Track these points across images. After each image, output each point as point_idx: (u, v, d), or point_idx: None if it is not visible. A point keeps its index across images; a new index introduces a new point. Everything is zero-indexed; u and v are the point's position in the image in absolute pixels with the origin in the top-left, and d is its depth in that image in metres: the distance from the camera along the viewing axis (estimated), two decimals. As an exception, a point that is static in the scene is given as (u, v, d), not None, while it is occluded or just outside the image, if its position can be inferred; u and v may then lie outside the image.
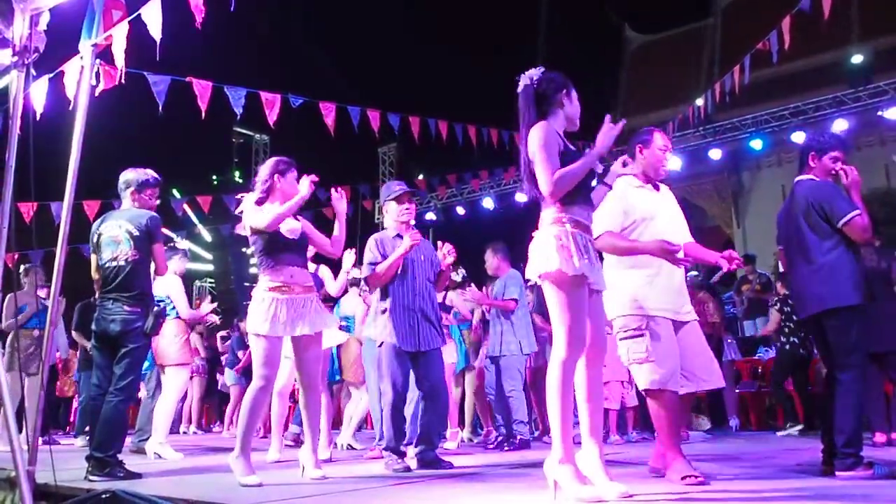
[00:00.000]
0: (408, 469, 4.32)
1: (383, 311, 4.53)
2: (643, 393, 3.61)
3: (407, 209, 4.65)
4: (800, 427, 7.25)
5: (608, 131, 2.94)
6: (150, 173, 4.72)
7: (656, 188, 3.82)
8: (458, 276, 7.35)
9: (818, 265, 3.55)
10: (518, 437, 6.00)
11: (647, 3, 28.73)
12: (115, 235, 4.46)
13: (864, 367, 3.58)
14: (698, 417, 7.93)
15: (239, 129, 19.44)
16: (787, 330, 7.51)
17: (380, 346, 4.57)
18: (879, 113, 12.69)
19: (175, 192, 14.81)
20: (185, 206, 11.73)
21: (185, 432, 10.59)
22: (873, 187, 14.39)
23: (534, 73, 3.15)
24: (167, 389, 6.07)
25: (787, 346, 7.48)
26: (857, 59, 14.20)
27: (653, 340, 3.49)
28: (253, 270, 19.43)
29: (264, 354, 3.85)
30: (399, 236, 4.61)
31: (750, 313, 10.57)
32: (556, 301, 2.89)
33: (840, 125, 12.86)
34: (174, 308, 6.12)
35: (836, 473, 3.42)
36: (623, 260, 3.59)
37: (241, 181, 18.98)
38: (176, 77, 5.90)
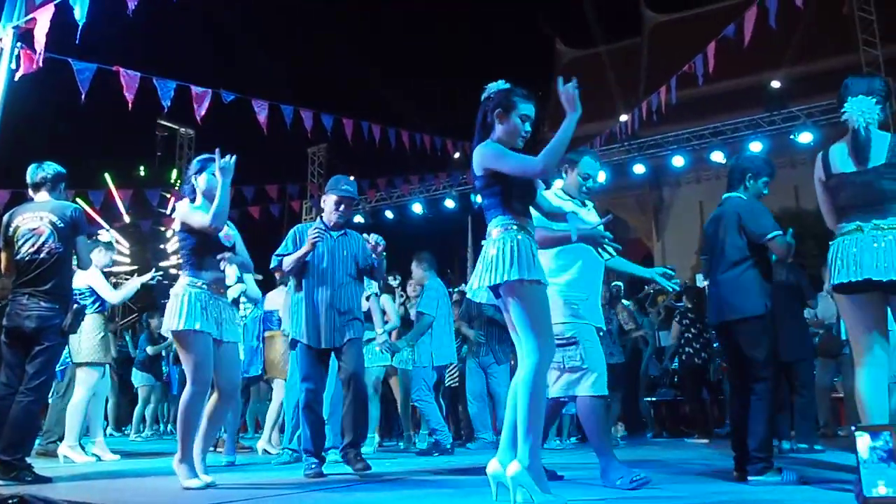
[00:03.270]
0: (320, 475, 4.21)
1: (297, 308, 4.46)
2: (578, 400, 3.71)
3: (342, 210, 4.54)
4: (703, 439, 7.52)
5: (569, 97, 2.92)
6: (62, 168, 4.49)
7: (583, 203, 4.00)
8: (394, 280, 7.36)
9: (734, 276, 3.77)
10: (436, 441, 6.11)
11: (579, 20, 29.52)
12: (35, 227, 4.23)
13: (774, 377, 3.80)
14: (615, 425, 8.18)
15: (164, 123, 18.81)
16: (683, 341, 7.88)
17: (295, 345, 4.50)
18: (791, 136, 13.33)
19: (103, 181, 14.26)
20: (115, 195, 11.28)
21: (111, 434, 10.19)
22: (784, 207, 15.18)
23: (492, 86, 3.12)
24: (80, 389, 5.78)
25: (684, 357, 7.84)
26: (774, 84, 14.92)
27: (586, 348, 3.64)
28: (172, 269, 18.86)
29: (196, 353, 3.67)
30: (326, 226, 4.52)
31: (666, 323, 10.94)
32: (520, 309, 2.88)
33: (755, 146, 13.47)
34: (95, 302, 5.85)
35: (748, 478, 3.57)
36: (553, 271, 3.69)
37: (164, 176, 18.39)
38: (103, 66, 5.68)
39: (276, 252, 4.54)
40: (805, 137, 13.20)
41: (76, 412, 5.70)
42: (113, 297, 5.89)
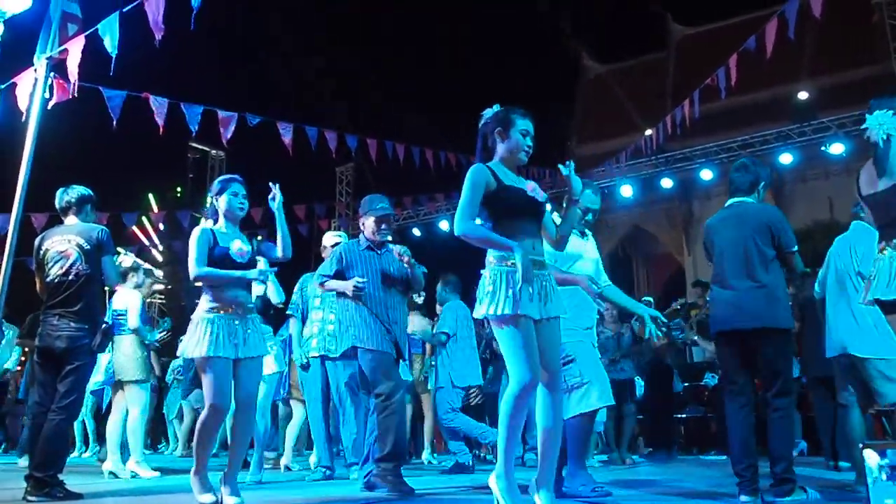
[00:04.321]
0: (412, 492, 4.19)
1: (354, 318, 4.52)
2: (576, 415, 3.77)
3: (384, 229, 4.64)
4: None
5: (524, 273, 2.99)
6: (88, 190, 4.63)
7: (583, 234, 4.17)
8: (419, 298, 7.43)
9: (761, 283, 3.65)
10: (457, 463, 6.14)
11: (605, 34, 29.50)
12: (63, 250, 4.36)
13: (795, 393, 3.74)
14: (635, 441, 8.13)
15: (195, 145, 19.21)
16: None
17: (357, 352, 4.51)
18: (823, 147, 13.15)
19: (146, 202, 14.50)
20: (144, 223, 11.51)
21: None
22: (817, 219, 14.93)
23: (487, 112, 3.25)
24: (133, 408, 5.94)
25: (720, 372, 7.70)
26: (802, 95, 14.77)
27: (583, 363, 3.78)
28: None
29: (212, 377, 3.73)
30: (370, 249, 4.61)
31: (701, 338, 10.79)
32: (501, 338, 3.02)
33: (785, 158, 13.34)
34: None
35: (775, 499, 3.47)
36: None
37: (197, 197, 18.74)
38: (133, 92, 5.86)
39: (321, 272, 4.68)
40: (836, 148, 13.02)
41: (136, 431, 5.93)
42: (134, 321, 5.99)
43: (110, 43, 4.93)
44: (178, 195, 19.69)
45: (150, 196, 17.45)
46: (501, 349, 3.06)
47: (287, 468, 6.48)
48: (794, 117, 14.49)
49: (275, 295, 5.58)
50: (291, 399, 6.76)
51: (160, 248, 17.98)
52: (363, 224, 4.69)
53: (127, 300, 5.99)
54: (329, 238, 5.79)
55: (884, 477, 2.01)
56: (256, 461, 5.50)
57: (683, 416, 9.41)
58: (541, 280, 3.05)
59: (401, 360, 4.67)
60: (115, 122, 5.85)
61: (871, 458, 2.04)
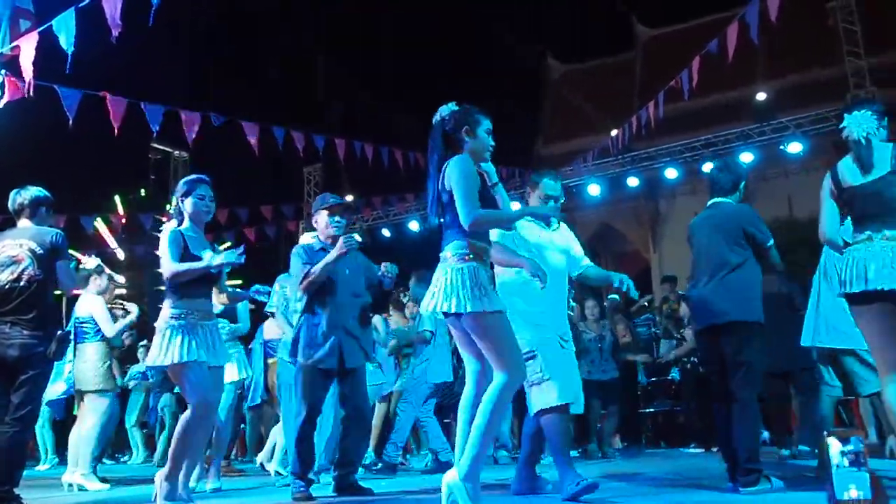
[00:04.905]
0: (310, 498, 4.15)
1: (307, 328, 4.37)
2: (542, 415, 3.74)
3: (338, 221, 4.51)
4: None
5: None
6: (44, 191, 4.45)
7: (548, 224, 4.08)
8: (405, 297, 7.38)
9: (731, 282, 3.77)
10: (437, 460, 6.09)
11: (570, 33, 29.71)
12: (14, 255, 4.17)
13: (759, 385, 3.82)
14: (613, 437, 8.18)
15: (156, 146, 18.78)
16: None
17: (298, 365, 4.40)
18: (781, 147, 13.43)
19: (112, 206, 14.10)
20: (99, 225, 11.25)
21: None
22: (777, 216, 15.23)
23: (444, 109, 3.25)
24: (91, 417, 5.78)
25: (689, 366, 7.84)
26: (761, 96, 15.04)
27: (546, 358, 3.71)
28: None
29: (193, 379, 3.67)
30: (324, 249, 4.44)
31: (668, 332, 10.90)
32: (487, 339, 3.01)
33: (746, 157, 13.55)
34: (99, 332, 5.82)
35: (741, 489, 3.56)
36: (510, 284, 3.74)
37: (159, 199, 18.37)
38: (89, 91, 5.69)
39: (297, 274, 4.43)
40: (794, 147, 13.30)
41: (88, 440, 5.70)
42: (109, 330, 5.85)
43: (66, 40, 4.79)
44: (141, 197, 19.29)
45: (116, 198, 16.95)
46: (486, 343, 3.01)
47: (278, 473, 6.36)
48: (755, 117, 14.76)
49: (242, 319, 5.54)
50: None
51: (119, 252, 17.56)
52: (316, 223, 4.59)
53: (91, 308, 5.79)
54: (307, 238, 5.64)
55: (846, 463, 2.05)
56: (215, 468, 5.38)
57: (651, 410, 9.49)
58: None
59: (367, 364, 4.61)
60: (71, 122, 5.68)
61: (834, 445, 2.08)
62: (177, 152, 18.84)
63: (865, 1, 13.21)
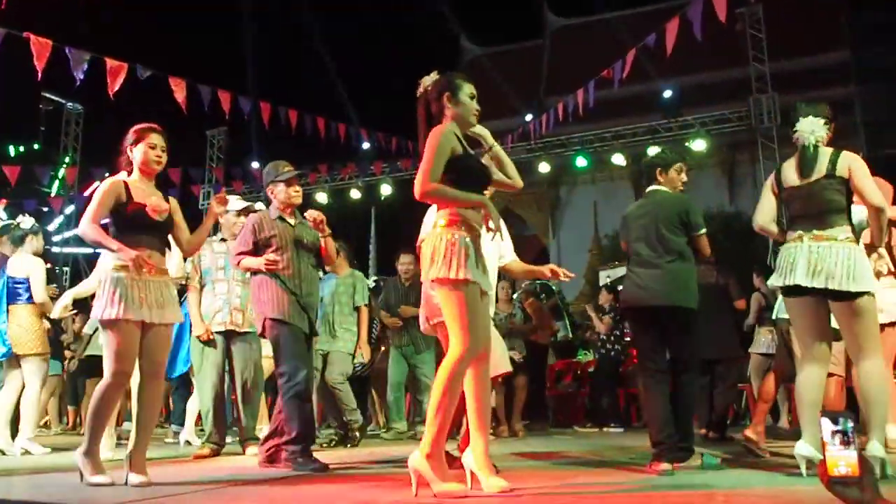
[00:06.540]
0: (325, 468, 4.04)
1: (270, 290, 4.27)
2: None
3: (296, 192, 4.50)
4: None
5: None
6: None
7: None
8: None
9: (667, 267, 3.92)
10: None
11: (484, 17, 29.91)
12: None
13: (698, 370, 4.06)
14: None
15: (48, 95, 17.32)
16: (613, 338, 8.20)
17: (265, 326, 4.28)
18: (687, 144, 14.03)
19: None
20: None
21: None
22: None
23: (427, 79, 3.25)
24: (33, 381, 5.52)
25: (612, 353, 8.19)
26: (666, 93, 15.69)
27: None
28: (55, 249, 17.62)
29: (116, 343, 3.48)
30: (282, 219, 4.42)
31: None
32: (452, 303, 3.00)
33: (652, 151, 14.10)
34: (29, 293, 5.49)
35: (673, 465, 3.68)
36: None
37: (51, 153, 17.02)
38: (12, 30, 5.23)
39: (237, 249, 4.41)
40: (698, 145, 13.95)
41: (31, 405, 5.54)
42: (40, 294, 5.50)
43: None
44: (35, 149, 17.80)
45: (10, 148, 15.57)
46: (449, 314, 3.01)
47: (188, 443, 6.21)
48: (663, 113, 15.38)
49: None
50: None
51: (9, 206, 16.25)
52: (273, 193, 4.51)
53: (28, 268, 5.48)
54: (235, 203, 5.43)
55: (837, 442, 2.22)
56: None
57: (556, 391, 9.84)
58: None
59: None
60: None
61: (826, 424, 2.25)
62: (70, 104, 17.51)
63: (772, 10, 14.06)
